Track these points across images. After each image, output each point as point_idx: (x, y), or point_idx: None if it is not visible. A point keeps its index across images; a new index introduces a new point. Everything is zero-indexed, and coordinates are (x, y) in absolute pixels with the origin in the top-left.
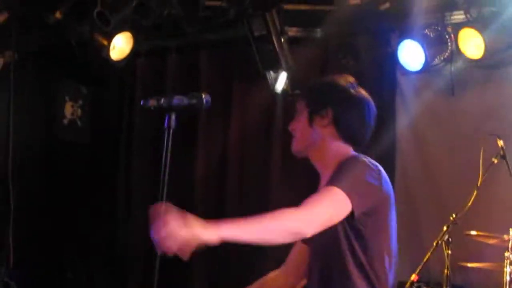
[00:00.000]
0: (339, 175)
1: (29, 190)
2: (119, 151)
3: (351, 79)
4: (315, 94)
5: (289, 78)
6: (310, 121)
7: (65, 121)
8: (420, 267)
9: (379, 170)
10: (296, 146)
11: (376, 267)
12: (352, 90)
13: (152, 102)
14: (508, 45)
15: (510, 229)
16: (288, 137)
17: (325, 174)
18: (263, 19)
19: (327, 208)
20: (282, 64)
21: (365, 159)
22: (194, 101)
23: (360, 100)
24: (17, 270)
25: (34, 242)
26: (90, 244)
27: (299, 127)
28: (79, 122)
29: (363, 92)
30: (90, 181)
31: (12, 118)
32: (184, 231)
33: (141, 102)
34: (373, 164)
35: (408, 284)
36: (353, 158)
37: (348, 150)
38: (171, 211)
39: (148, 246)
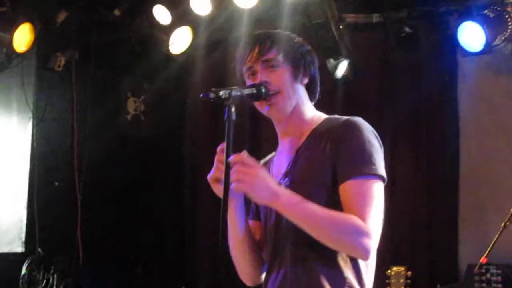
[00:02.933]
0: (359, 154)
1: (95, 187)
2: (183, 144)
3: None
4: (294, 48)
5: (350, 64)
6: (294, 76)
7: (129, 117)
8: (489, 249)
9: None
10: (286, 103)
11: None
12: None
13: (211, 95)
14: None
15: None
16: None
17: (296, 140)
18: (321, 6)
19: (381, 211)
20: (341, 51)
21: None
22: (253, 91)
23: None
24: (87, 268)
25: (102, 239)
26: (162, 238)
27: (284, 81)
28: (142, 117)
29: None
30: (155, 176)
31: (75, 117)
32: (270, 180)
33: (201, 95)
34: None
35: (477, 267)
36: (356, 122)
37: (318, 112)
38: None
39: (213, 241)
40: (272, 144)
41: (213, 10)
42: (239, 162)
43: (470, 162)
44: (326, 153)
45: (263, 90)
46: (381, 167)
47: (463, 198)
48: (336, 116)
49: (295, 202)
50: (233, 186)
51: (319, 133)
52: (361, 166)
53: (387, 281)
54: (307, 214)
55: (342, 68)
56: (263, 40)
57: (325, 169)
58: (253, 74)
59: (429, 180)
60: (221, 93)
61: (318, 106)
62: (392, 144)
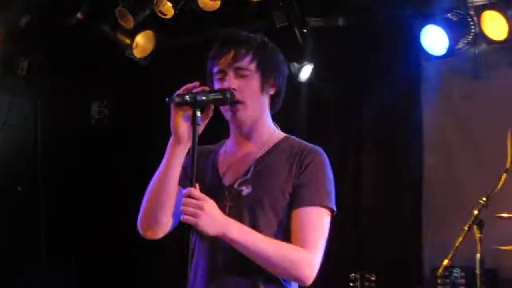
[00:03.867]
0: (321, 186)
1: (59, 191)
2: (150, 148)
3: None
4: (268, 58)
5: (314, 68)
6: (262, 87)
7: (93, 121)
8: (452, 252)
9: None
10: (249, 115)
11: None
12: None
13: (177, 99)
14: None
15: None
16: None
17: (255, 149)
18: (284, 10)
19: (324, 242)
20: (305, 54)
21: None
22: (218, 96)
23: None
24: (50, 270)
25: (66, 242)
26: (127, 239)
27: (251, 92)
28: (106, 122)
29: None
30: (120, 180)
31: (39, 121)
32: (217, 212)
33: (166, 99)
34: None
35: (440, 269)
36: (322, 155)
37: (277, 129)
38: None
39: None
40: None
41: (177, 14)
42: (189, 195)
43: (433, 164)
44: (291, 175)
45: (229, 96)
46: (334, 202)
47: (427, 200)
48: (297, 139)
49: (245, 234)
50: (183, 218)
51: (282, 151)
52: (320, 198)
53: (351, 284)
54: (256, 247)
55: (306, 72)
56: (239, 45)
57: (286, 189)
58: (223, 77)
59: (393, 182)
60: (187, 97)
61: (282, 110)
62: (356, 146)
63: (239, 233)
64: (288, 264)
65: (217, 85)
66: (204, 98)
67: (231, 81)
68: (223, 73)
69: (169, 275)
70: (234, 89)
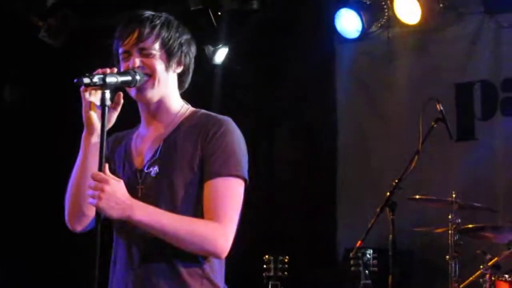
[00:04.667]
0: (229, 155)
1: None
2: (66, 133)
3: None
4: (173, 37)
5: (229, 50)
6: (167, 66)
7: (5, 104)
8: (365, 233)
9: None
10: (155, 93)
11: None
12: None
13: (85, 80)
14: (444, 8)
15: (453, 192)
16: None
17: (162, 128)
18: None
19: (238, 212)
20: (220, 37)
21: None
22: (127, 78)
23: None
24: None
25: None
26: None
27: (157, 69)
28: (19, 105)
29: None
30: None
31: None
32: (120, 194)
33: (75, 80)
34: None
35: (354, 251)
36: (228, 123)
37: (184, 102)
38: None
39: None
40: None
41: None
42: (93, 178)
43: (346, 148)
44: (197, 149)
45: (138, 78)
46: (245, 170)
47: (340, 183)
48: (206, 112)
49: (149, 214)
50: (89, 201)
51: (189, 126)
52: (229, 167)
53: (264, 266)
54: (162, 226)
55: (220, 55)
56: (143, 24)
57: (195, 163)
58: (128, 58)
59: (307, 161)
60: (95, 79)
61: (198, 92)
62: (270, 126)
63: (143, 214)
64: (198, 238)
65: (122, 65)
66: (113, 79)
67: (136, 60)
68: (128, 53)
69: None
70: (139, 66)
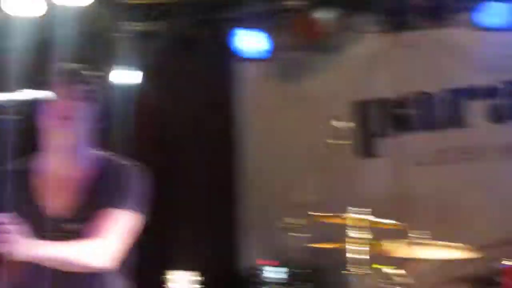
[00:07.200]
0: (120, 192)
1: None
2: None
3: None
4: (95, 91)
5: (131, 72)
6: (88, 116)
7: None
8: (268, 251)
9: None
10: (74, 139)
11: None
12: None
13: None
14: (342, 29)
15: (348, 208)
16: None
17: (74, 172)
18: (100, 15)
19: (121, 235)
20: (121, 59)
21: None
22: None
23: None
24: None
25: None
26: None
27: (80, 118)
28: None
29: None
30: None
31: None
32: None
33: None
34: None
35: (255, 267)
36: (129, 169)
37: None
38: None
39: None
40: None
41: None
42: None
43: (249, 166)
44: (102, 196)
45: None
46: (134, 203)
47: (246, 202)
48: (113, 158)
49: (36, 249)
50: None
51: (100, 174)
52: (117, 200)
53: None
54: (50, 257)
55: (124, 76)
56: (72, 83)
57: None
58: (55, 103)
59: (212, 181)
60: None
61: (98, 112)
62: (172, 145)
63: (30, 250)
64: (86, 262)
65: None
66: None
67: (64, 108)
68: (56, 101)
69: None
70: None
